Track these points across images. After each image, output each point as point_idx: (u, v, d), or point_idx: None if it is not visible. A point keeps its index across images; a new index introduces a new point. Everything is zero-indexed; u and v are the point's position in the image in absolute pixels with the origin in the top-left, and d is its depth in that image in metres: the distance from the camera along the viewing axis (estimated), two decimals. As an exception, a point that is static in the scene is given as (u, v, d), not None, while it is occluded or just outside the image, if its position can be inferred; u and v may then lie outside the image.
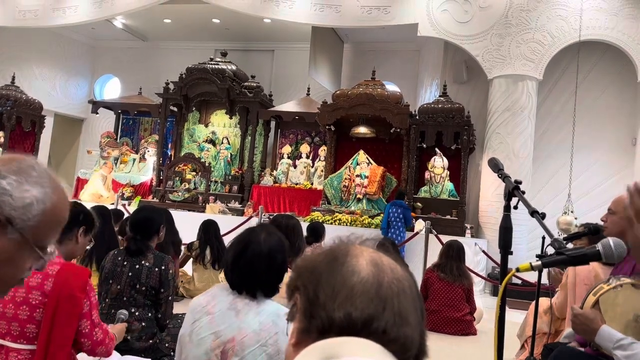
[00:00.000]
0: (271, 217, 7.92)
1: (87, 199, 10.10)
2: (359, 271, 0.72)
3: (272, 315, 1.78)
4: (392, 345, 0.68)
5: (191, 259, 5.54)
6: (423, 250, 7.03)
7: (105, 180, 10.90)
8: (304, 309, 0.73)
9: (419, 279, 5.37)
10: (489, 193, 8.57)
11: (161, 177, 10.86)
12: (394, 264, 0.75)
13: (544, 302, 3.59)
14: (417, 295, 0.75)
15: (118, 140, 11.97)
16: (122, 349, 2.93)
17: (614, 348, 1.80)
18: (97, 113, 12.17)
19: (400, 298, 0.71)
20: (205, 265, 5.41)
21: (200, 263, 5.41)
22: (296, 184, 10.39)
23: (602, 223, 2.55)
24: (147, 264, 3.12)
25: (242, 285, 1.83)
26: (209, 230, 5.53)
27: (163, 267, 3.14)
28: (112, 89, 14.22)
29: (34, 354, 1.91)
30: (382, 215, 8.52)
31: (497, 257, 2.18)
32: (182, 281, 5.38)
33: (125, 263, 3.14)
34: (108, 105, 12.20)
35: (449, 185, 8.82)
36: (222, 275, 5.54)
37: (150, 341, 3.13)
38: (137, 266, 3.12)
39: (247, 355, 1.71)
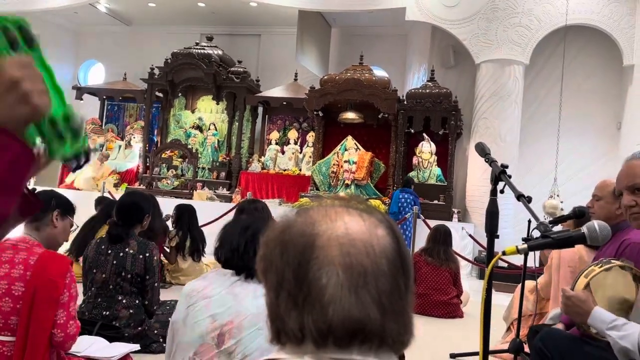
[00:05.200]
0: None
1: (83, 187, 9.98)
2: (329, 275, 0.63)
3: None
4: (381, 344, 0.64)
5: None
6: (411, 234, 7.08)
7: (101, 165, 10.72)
8: (269, 312, 0.69)
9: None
10: (475, 177, 8.63)
11: (148, 164, 10.76)
12: (368, 240, 0.65)
13: (529, 283, 3.64)
14: (402, 267, 0.67)
15: (103, 127, 11.82)
16: (112, 336, 2.92)
17: (608, 329, 1.80)
18: (81, 99, 11.97)
19: (380, 286, 0.64)
20: (184, 257, 5.29)
21: (181, 254, 5.27)
22: (284, 170, 10.37)
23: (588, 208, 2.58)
24: (131, 251, 3.11)
25: (253, 269, 1.83)
26: (189, 219, 5.32)
27: (147, 254, 3.12)
28: (96, 75, 14.00)
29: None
30: (370, 200, 8.55)
31: (484, 241, 2.21)
32: (167, 269, 5.34)
33: (109, 251, 3.12)
34: (92, 91, 12.01)
35: (437, 170, 8.86)
36: (204, 264, 5.45)
37: (139, 328, 3.13)
38: (122, 254, 3.10)
39: (244, 338, 1.73)
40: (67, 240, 2.42)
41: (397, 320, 0.65)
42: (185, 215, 5.33)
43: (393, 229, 0.69)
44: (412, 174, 8.95)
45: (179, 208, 5.44)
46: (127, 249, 3.11)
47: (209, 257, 5.21)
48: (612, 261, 2.00)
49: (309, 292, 0.63)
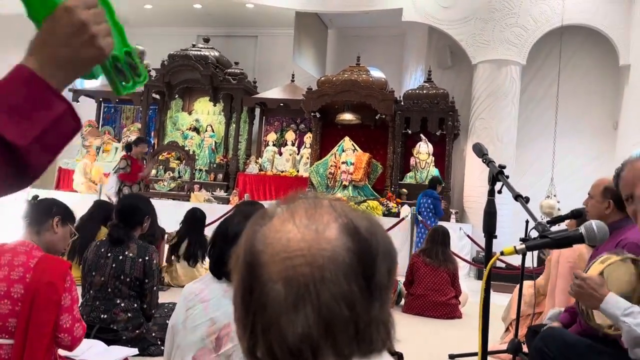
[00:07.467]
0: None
1: (84, 190, 9.92)
2: (271, 293, 0.59)
3: None
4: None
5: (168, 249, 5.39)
6: (409, 235, 7.08)
7: (90, 169, 10.68)
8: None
9: (405, 264, 5.41)
10: (473, 178, 8.64)
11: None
12: (309, 248, 0.60)
13: (528, 283, 3.65)
14: (362, 268, 0.60)
15: (100, 129, 11.79)
16: (110, 339, 2.92)
17: (623, 315, 1.76)
18: (77, 101, 11.95)
19: (321, 296, 0.58)
20: (178, 259, 5.25)
21: (175, 256, 5.25)
22: (282, 171, 10.36)
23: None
24: (130, 254, 3.10)
25: None
26: (194, 224, 5.31)
27: (147, 258, 3.12)
28: (92, 77, 13.97)
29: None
30: (368, 201, 8.55)
31: (482, 242, 2.21)
32: (166, 271, 5.33)
33: (108, 254, 3.11)
34: (89, 94, 11.98)
35: (434, 171, 8.87)
36: (199, 270, 5.42)
37: (137, 331, 3.12)
38: (121, 257, 3.09)
39: None
40: (66, 248, 2.42)
41: (346, 329, 0.59)
42: (191, 219, 5.36)
43: (352, 227, 0.62)
44: (409, 174, 8.94)
45: (190, 210, 5.48)
46: (126, 252, 3.10)
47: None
48: (627, 254, 1.99)
49: (254, 315, 0.61)
